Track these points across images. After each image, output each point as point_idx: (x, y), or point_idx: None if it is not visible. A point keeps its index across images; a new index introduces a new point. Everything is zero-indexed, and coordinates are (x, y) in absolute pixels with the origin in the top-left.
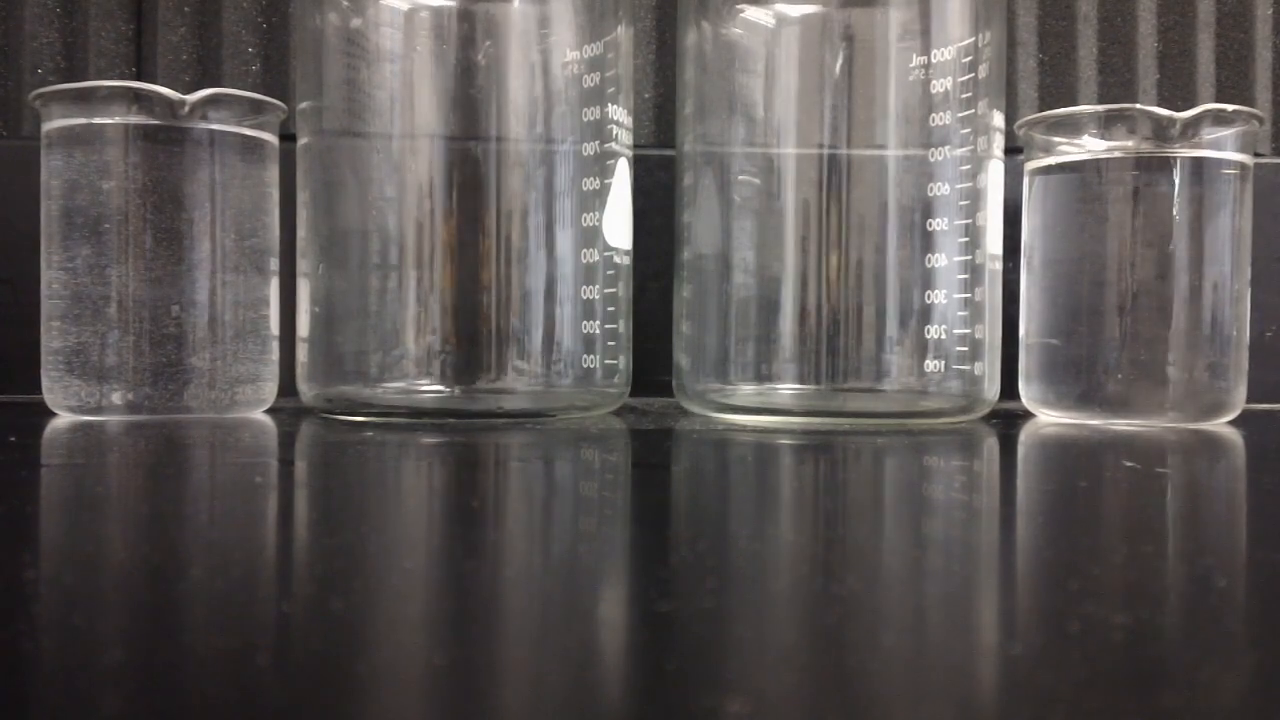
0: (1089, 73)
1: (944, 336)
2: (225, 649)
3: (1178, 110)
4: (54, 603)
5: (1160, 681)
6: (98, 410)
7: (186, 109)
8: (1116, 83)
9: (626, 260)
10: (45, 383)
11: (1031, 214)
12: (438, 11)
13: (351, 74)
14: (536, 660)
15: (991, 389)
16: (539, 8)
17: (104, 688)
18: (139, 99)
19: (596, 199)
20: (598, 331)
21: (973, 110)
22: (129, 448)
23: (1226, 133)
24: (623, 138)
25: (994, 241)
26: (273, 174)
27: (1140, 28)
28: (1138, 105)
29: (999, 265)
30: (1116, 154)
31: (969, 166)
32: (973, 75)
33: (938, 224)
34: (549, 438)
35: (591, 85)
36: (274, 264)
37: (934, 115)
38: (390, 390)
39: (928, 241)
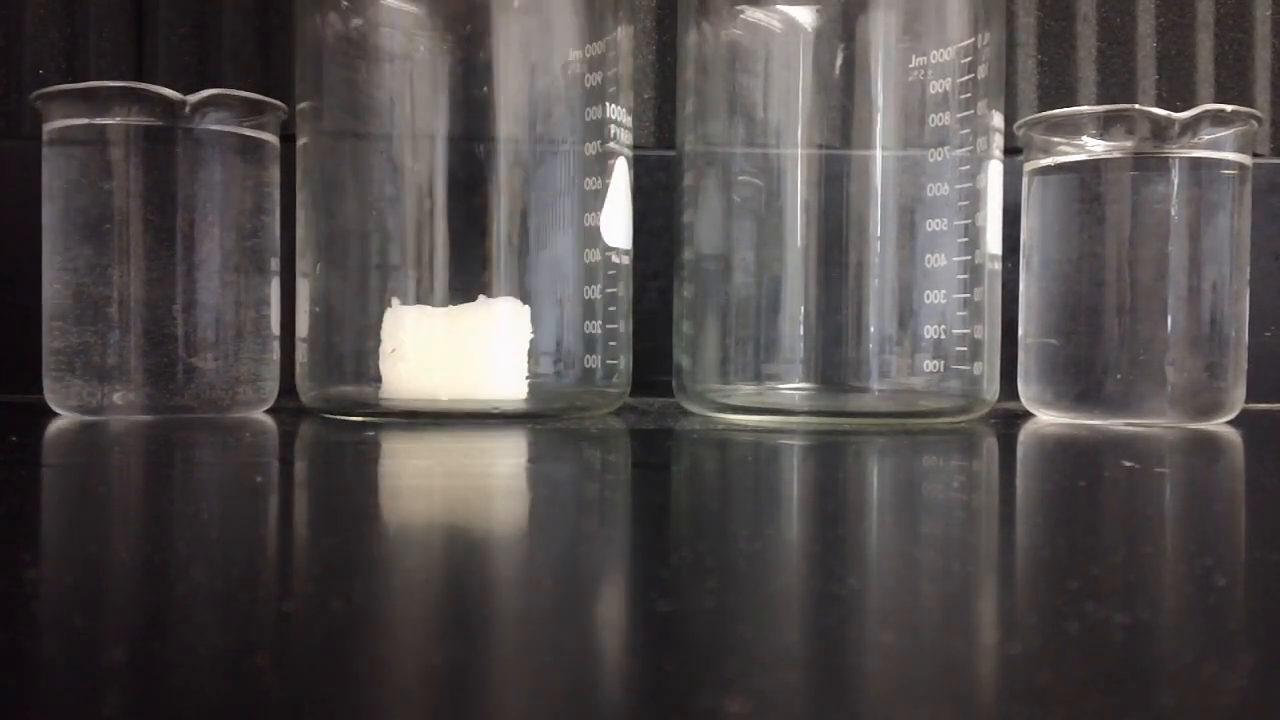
0: (1088, 73)
1: (943, 336)
2: (225, 649)
3: (1177, 111)
4: (54, 603)
5: (1160, 681)
6: (99, 410)
7: (187, 109)
8: (1116, 83)
9: (627, 260)
10: (46, 383)
11: (1031, 214)
12: (438, 11)
13: (351, 74)
14: (537, 660)
15: (991, 389)
16: (540, 7)
17: (104, 688)
18: (140, 99)
19: (597, 199)
20: (599, 331)
21: (972, 111)
22: (130, 448)
23: (1225, 133)
24: (622, 137)
25: (993, 241)
26: (273, 174)
27: (1140, 28)
28: (1137, 106)
29: (998, 265)
30: (1115, 154)
31: (968, 167)
32: (972, 76)
33: (937, 224)
34: (549, 437)
35: (592, 85)
36: (274, 264)
37: (933, 116)
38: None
39: (927, 241)
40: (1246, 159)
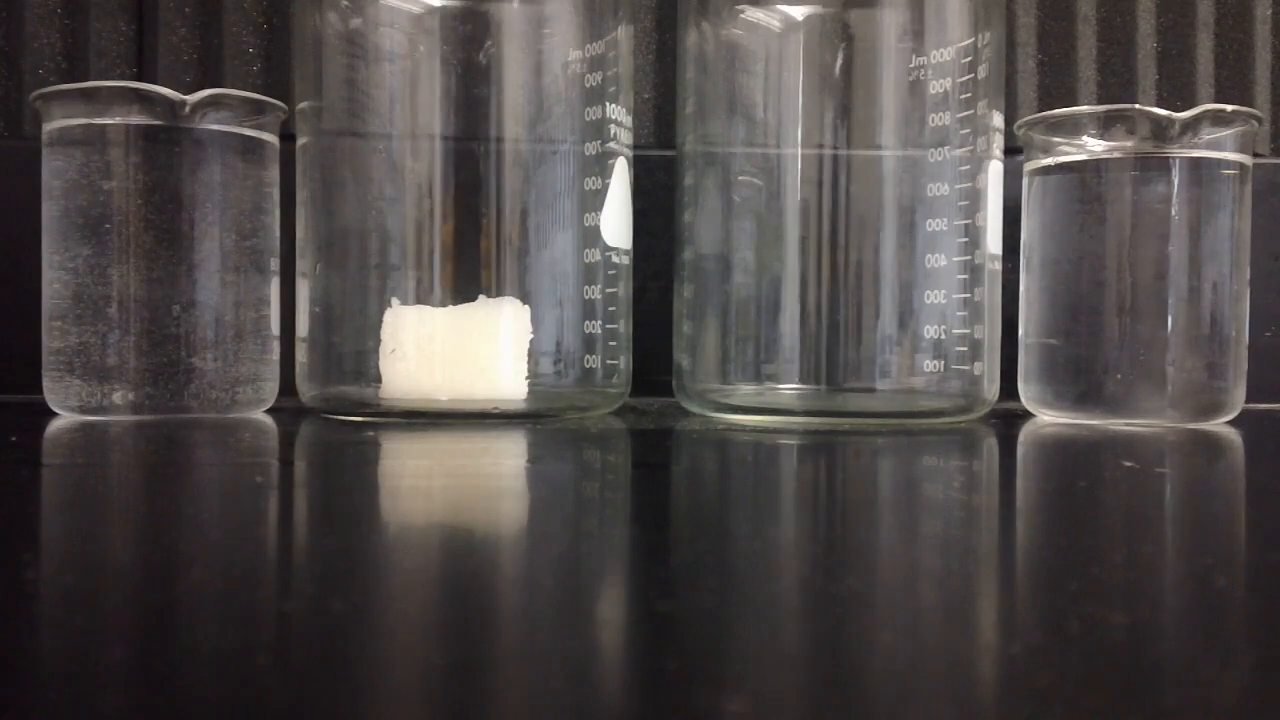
0: (1088, 73)
1: (943, 336)
2: (225, 649)
3: (1177, 110)
4: (54, 603)
5: (1160, 681)
6: (99, 410)
7: (187, 109)
8: (1116, 83)
9: (626, 260)
10: (46, 383)
11: (1031, 214)
12: (437, 11)
13: (351, 74)
14: (537, 660)
15: (991, 389)
16: (539, 7)
17: (104, 688)
18: (140, 99)
19: (597, 199)
20: (599, 331)
21: (972, 111)
22: (130, 448)
23: (1225, 133)
24: (622, 137)
25: (993, 242)
26: (273, 174)
27: (1140, 28)
28: (1137, 105)
29: (998, 265)
30: (1116, 154)
31: (968, 167)
32: (972, 76)
33: (937, 224)
34: (549, 438)
35: (592, 85)
36: (274, 264)
37: (933, 116)
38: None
39: (927, 241)
40: (1246, 159)
